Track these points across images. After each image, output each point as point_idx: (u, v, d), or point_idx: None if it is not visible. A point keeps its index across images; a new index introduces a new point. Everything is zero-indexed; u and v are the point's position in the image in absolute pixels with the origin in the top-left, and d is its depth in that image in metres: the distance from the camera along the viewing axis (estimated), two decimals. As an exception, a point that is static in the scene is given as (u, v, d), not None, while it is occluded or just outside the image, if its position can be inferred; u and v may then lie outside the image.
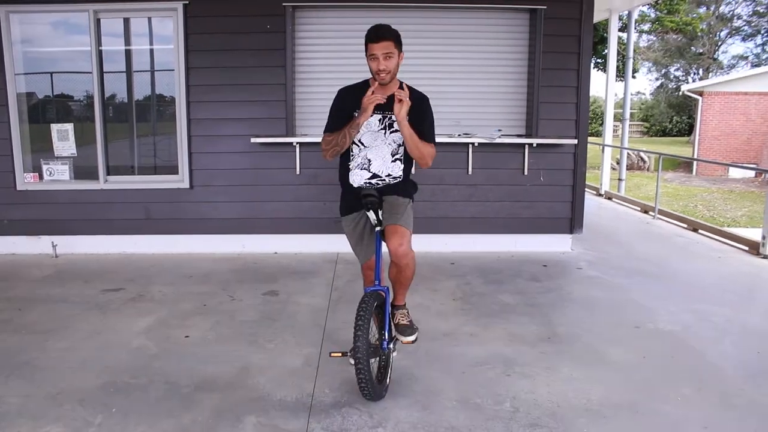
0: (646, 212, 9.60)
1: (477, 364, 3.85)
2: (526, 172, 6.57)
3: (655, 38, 37.64)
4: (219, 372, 3.72)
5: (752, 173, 21.59)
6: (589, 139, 7.28)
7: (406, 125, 3.32)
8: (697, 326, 4.56)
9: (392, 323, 3.56)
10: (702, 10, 37.67)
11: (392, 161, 3.51)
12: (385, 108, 3.39)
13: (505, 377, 3.67)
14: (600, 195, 11.47)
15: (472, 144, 6.43)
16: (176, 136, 6.49)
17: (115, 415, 3.21)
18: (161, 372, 3.72)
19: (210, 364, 3.82)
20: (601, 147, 11.99)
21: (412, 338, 3.55)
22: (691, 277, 5.92)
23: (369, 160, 3.49)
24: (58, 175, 6.54)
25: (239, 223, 6.61)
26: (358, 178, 3.52)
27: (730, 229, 8.49)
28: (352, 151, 3.51)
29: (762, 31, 38.03)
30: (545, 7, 6.31)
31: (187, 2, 6.22)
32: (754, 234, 7.33)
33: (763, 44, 39.00)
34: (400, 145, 3.49)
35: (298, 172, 6.48)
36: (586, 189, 7.54)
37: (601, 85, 14.31)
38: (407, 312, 3.65)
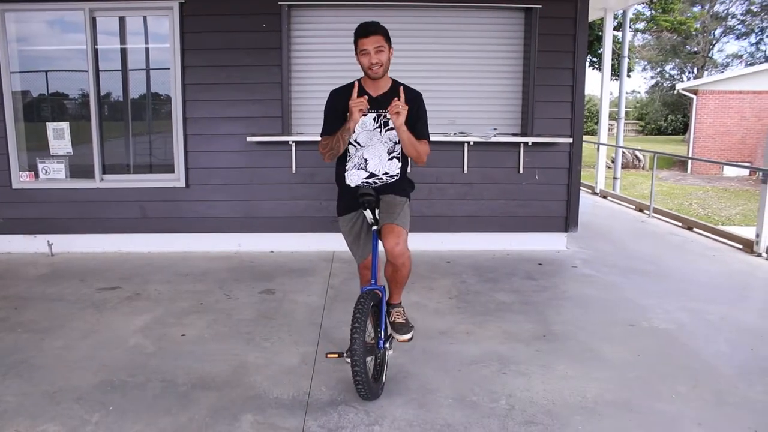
0: (641, 211, 9.64)
1: (473, 362, 3.87)
2: (521, 171, 6.59)
3: (650, 37, 37.75)
4: (216, 370, 3.73)
5: (746, 172, 21.67)
6: (585, 137, 7.30)
7: (405, 130, 3.33)
8: (691, 324, 4.59)
9: (388, 321, 3.58)
10: (696, 9, 37.77)
11: (389, 159, 3.53)
12: (379, 106, 3.40)
13: (500, 375, 3.69)
14: (595, 193, 11.50)
15: (468, 143, 6.45)
16: (172, 135, 6.49)
17: (112, 414, 3.22)
18: (158, 370, 3.73)
19: (207, 363, 3.83)
20: (596, 145, 12.02)
21: (408, 336, 3.56)
22: (686, 275, 5.95)
23: (366, 160, 3.50)
24: (53, 173, 6.53)
25: (235, 221, 6.61)
26: (355, 178, 3.53)
27: (725, 228, 8.52)
28: (348, 152, 3.52)
29: (756, 30, 38.19)
30: (540, 6, 6.32)
31: (183, 1, 6.22)
32: (748, 232, 7.36)
33: (757, 43, 39.18)
34: (396, 143, 3.50)
35: (294, 171, 6.49)
36: (581, 187, 7.57)
37: (597, 83, 14.38)
38: (403, 310, 3.67)
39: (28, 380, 3.59)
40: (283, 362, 3.85)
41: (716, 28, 38.63)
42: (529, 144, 6.49)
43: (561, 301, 5.14)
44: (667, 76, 41.81)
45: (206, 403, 3.33)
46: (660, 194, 16.04)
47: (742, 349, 4.16)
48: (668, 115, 37.90)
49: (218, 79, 6.38)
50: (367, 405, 3.29)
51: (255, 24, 6.30)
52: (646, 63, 40.79)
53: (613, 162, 13.29)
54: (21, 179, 6.50)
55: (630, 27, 14.89)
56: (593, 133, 23.65)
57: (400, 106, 3.22)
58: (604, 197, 11.16)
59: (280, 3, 6.23)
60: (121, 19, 6.49)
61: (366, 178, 3.52)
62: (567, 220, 6.73)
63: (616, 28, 13.15)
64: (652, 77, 43.09)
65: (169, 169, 6.58)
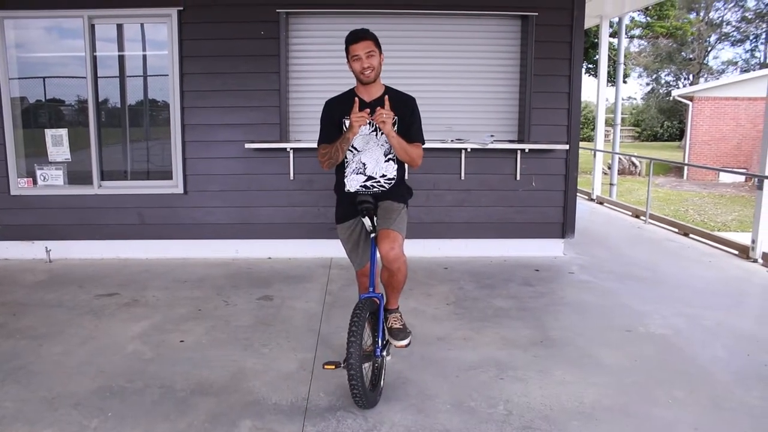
0: (637, 217, 9.67)
1: (470, 367, 3.88)
2: (518, 178, 6.62)
3: (645, 44, 37.93)
4: (214, 376, 3.74)
5: (742, 178, 21.75)
6: (581, 144, 7.33)
7: (394, 136, 3.38)
8: (688, 329, 4.61)
9: (386, 327, 3.59)
10: (692, 15, 37.98)
11: (385, 161, 3.56)
12: (373, 110, 3.43)
13: (498, 381, 3.70)
14: (592, 200, 11.54)
15: (465, 149, 6.48)
16: (170, 142, 6.50)
17: (111, 420, 3.22)
18: (156, 376, 3.73)
19: (205, 369, 3.84)
20: (592, 152, 12.07)
21: (405, 342, 3.57)
22: (682, 281, 5.97)
23: (364, 164, 3.53)
24: (52, 180, 6.54)
25: (233, 228, 6.62)
26: (354, 182, 3.56)
27: (721, 234, 8.55)
28: (346, 158, 3.56)
29: (751, 37, 38.41)
30: (537, 13, 6.36)
31: (182, 8, 6.25)
32: (744, 238, 7.39)
33: (752, 50, 39.40)
34: (390, 147, 3.53)
35: (292, 178, 6.51)
36: (577, 194, 7.60)
37: (593, 90, 14.40)
38: (400, 315, 3.68)
39: (26, 386, 3.59)
40: (282, 368, 3.86)
41: (711, 35, 38.85)
42: (526, 151, 6.52)
43: (558, 307, 5.15)
44: (662, 82, 42.02)
45: (205, 409, 3.34)
46: (656, 200, 16.10)
47: (739, 354, 4.18)
48: (664, 122, 38.03)
49: (216, 86, 6.41)
50: (366, 411, 3.30)
51: (253, 31, 6.33)
52: (641, 69, 41.00)
53: (609, 168, 13.34)
54: (19, 185, 6.51)
55: (626, 34, 14.95)
56: (590, 139, 23.73)
57: (384, 114, 3.26)
58: (601, 203, 11.19)
59: (278, 10, 6.26)
60: (120, 26, 6.51)
61: (364, 181, 3.55)
62: (564, 227, 6.75)
63: (611, 35, 13.24)
64: (647, 84, 43.31)
65: (168, 175, 6.59)
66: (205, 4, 6.27)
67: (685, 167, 23.54)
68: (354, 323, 3.14)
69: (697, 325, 4.70)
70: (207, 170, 6.53)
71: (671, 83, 41.20)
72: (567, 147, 6.55)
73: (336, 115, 3.52)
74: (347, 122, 3.43)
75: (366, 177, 3.55)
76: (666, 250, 7.39)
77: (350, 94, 3.54)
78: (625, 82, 31.14)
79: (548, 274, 6.15)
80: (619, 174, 15.15)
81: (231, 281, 5.79)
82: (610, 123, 13.29)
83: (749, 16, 37.76)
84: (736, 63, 39.75)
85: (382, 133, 3.49)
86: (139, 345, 4.23)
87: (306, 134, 6.48)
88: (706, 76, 38.94)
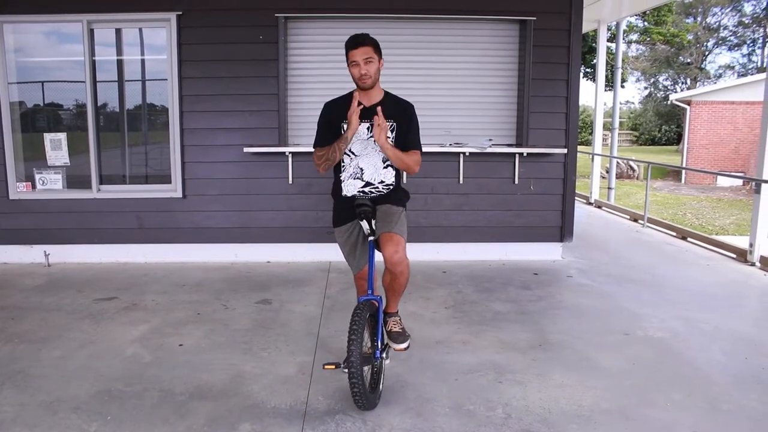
0: (635, 221, 9.69)
1: (469, 371, 3.89)
2: (516, 181, 6.63)
3: (643, 48, 38.03)
4: (213, 380, 3.74)
5: (740, 182, 21.78)
6: (579, 148, 7.35)
7: (389, 147, 3.41)
8: (686, 333, 4.62)
9: (385, 330, 3.60)
10: (689, 20, 38.11)
11: (384, 167, 3.57)
12: (372, 116, 3.45)
13: (497, 384, 3.71)
14: (590, 204, 11.56)
15: (463, 153, 6.49)
16: (169, 146, 6.51)
17: (110, 423, 3.22)
18: (155, 380, 3.73)
19: (204, 372, 3.84)
20: (590, 156, 12.09)
21: (404, 345, 3.59)
22: (680, 285, 5.99)
23: (361, 169, 3.54)
24: (50, 184, 6.55)
25: (232, 232, 6.63)
26: (351, 188, 3.57)
27: (719, 237, 8.57)
28: (343, 162, 3.57)
29: (748, 42, 38.54)
30: (535, 18, 6.39)
31: (181, 13, 6.27)
32: (742, 242, 7.41)
33: (749, 54, 39.53)
34: None
35: (290, 182, 6.52)
36: (576, 198, 7.61)
37: (591, 94, 14.46)
38: (400, 319, 3.69)
39: (25, 390, 3.60)
40: (281, 372, 3.86)
41: (709, 40, 38.98)
42: (524, 155, 6.54)
43: (556, 311, 5.16)
44: (660, 86, 42.13)
45: (204, 412, 3.34)
46: (654, 204, 16.11)
47: (737, 357, 4.19)
48: (662, 126, 38.12)
49: (215, 90, 6.42)
50: (365, 414, 3.30)
51: (252, 36, 6.35)
52: (639, 74, 41.11)
53: (607, 172, 13.36)
54: (18, 190, 6.51)
55: (623, 38, 15.00)
56: (588, 143, 23.79)
57: (380, 119, 3.30)
58: (599, 207, 11.21)
59: (276, 15, 6.27)
60: (119, 31, 6.53)
61: (362, 187, 3.56)
62: (562, 230, 6.76)
63: (609, 40, 13.26)
64: (645, 88, 43.44)
65: (166, 179, 6.60)
66: (204, 8, 6.29)
67: (683, 171, 23.59)
68: (354, 322, 3.16)
69: (695, 329, 4.71)
70: (206, 174, 6.54)
71: (669, 87, 41.33)
72: (565, 151, 6.57)
73: (334, 117, 3.53)
74: (345, 125, 3.45)
75: (364, 183, 3.56)
76: (664, 254, 7.41)
77: (349, 98, 3.55)
78: (622, 86, 31.19)
79: (547, 277, 6.16)
80: (617, 178, 15.19)
81: (230, 285, 5.79)
82: (608, 127, 13.34)
83: (746, 21, 37.93)
84: (734, 67, 39.93)
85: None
86: (138, 349, 4.23)
87: (305, 138, 6.49)
88: (703, 80, 39.05)
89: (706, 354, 4.23)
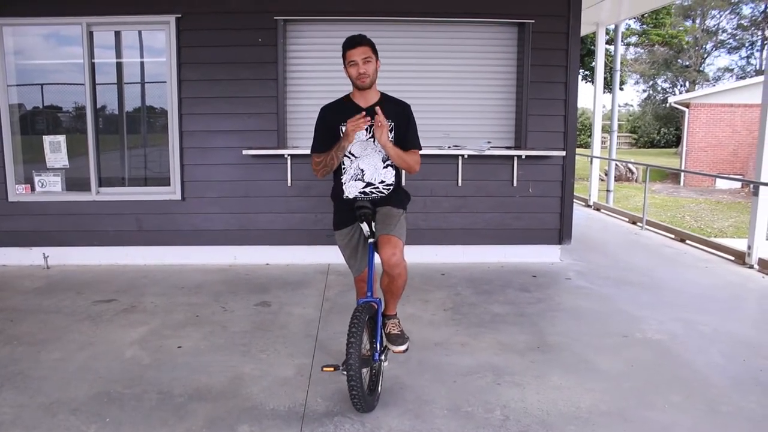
0: (634, 223, 9.70)
1: (468, 373, 3.90)
2: (515, 184, 6.64)
3: (642, 51, 38.09)
4: (212, 382, 3.74)
5: (739, 184, 21.82)
6: (578, 150, 7.37)
7: (390, 146, 3.44)
8: (684, 335, 4.62)
9: (384, 333, 3.60)
10: (688, 23, 38.17)
11: (384, 167, 3.59)
12: (370, 117, 3.46)
13: (495, 386, 3.72)
14: (588, 206, 11.57)
15: (462, 156, 6.50)
16: (168, 148, 6.52)
17: (109, 425, 3.23)
18: (154, 382, 3.74)
19: (203, 374, 3.85)
20: (589, 158, 12.10)
21: (403, 347, 3.59)
22: (679, 287, 5.99)
23: (362, 171, 3.55)
24: (50, 186, 6.55)
25: (231, 234, 6.64)
26: (353, 189, 3.58)
27: (717, 240, 8.59)
28: (343, 164, 3.58)
29: (746, 44, 38.60)
30: (533, 21, 6.40)
31: (180, 15, 6.28)
32: (741, 244, 7.42)
33: (748, 57, 39.59)
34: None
35: (289, 184, 6.53)
36: (574, 200, 7.62)
37: (589, 97, 14.50)
38: (398, 321, 3.69)
39: (24, 392, 3.60)
40: (279, 374, 3.87)
41: (707, 42, 39.03)
42: (523, 157, 6.55)
43: (555, 313, 5.17)
44: (659, 89, 42.19)
45: (203, 414, 3.35)
46: (653, 207, 16.14)
47: (735, 359, 4.20)
48: (661, 128, 38.17)
49: (214, 92, 6.43)
50: (363, 416, 3.31)
51: (251, 38, 6.36)
52: (638, 76, 41.16)
53: (606, 175, 13.38)
54: (17, 192, 6.52)
55: (622, 41, 15.03)
56: (586, 146, 23.81)
57: (381, 119, 3.32)
58: (598, 210, 11.22)
59: (275, 18, 6.29)
60: (118, 34, 6.54)
61: (363, 188, 3.57)
62: (561, 233, 6.77)
63: (608, 42, 13.28)
64: (644, 90, 43.50)
65: (165, 182, 6.61)
66: (203, 11, 6.30)
67: (682, 174, 23.62)
68: (353, 325, 3.16)
69: (694, 331, 4.71)
70: (205, 177, 6.55)
71: (668, 90, 41.39)
72: (564, 153, 6.58)
73: (331, 121, 3.54)
74: (344, 128, 3.46)
75: (365, 183, 3.57)
76: (663, 256, 7.42)
77: (345, 101, 3.58)
78: (621, 89, 31.27)
79: (545, 280, 6.16)
80: (615, 180, 15.18)
81: (229, 287, 5.80)
82: (606, 130, 13.36)
83: (745, 24, 38.00)
84: (732, 70, 40.00)
85: (379, 139, 3.51)
86: (137, 351, 4.24)
87: (304, 141, 6.50)
88: (702, 83, 39.11)
89: (704, 356, 4.24)
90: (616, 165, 18.34)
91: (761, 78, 24.59)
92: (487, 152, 6.44)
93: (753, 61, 39.55)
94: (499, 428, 3.22)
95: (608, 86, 16.73)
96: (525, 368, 3.98)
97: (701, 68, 39.74)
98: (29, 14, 6.27)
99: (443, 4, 6.42)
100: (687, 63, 39.26)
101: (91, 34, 6.36)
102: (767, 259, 6.71)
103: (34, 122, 6.68)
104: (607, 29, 11.98)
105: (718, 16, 38.74)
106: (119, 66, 6.61)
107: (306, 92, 6.53)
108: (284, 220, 6.62)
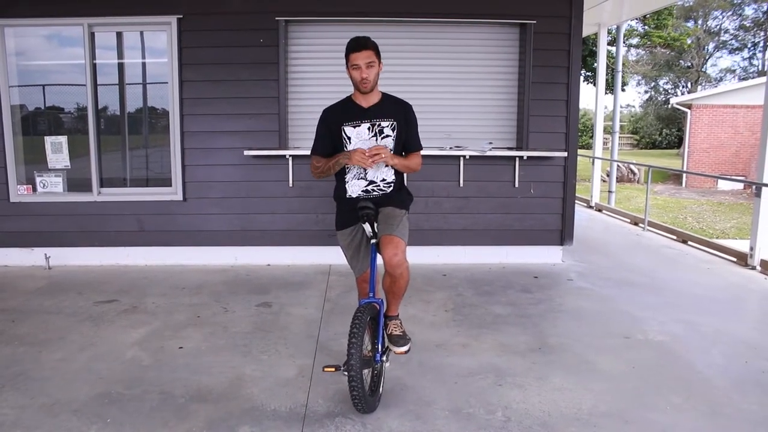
0: (636, 224, 9.69)
1: (469, 374, 3.89)
2: (516, 185, 6.64)
3: (643, 52, 38.06)
4: (213, 383, 3.74)
5: (741, 185, 21.79)
6: (579, 151, 7.36)
7: (396, 162, 3.52)
8: (686, 336, 4.62)
9: (385, 334, 3.60)
10: (690, 24, 38.14)
11: (386, 166, 3.59)
12: (372, 117, 3.50)
13: (496, 387, 3.71)
14: (590, 207, 11.56)
15: (464, 157, 6.50)
16: (169, 149, 6.52)
17: (110, 426, 3.23)
18: (155, 383, 3.74)
19: (204, 375, 3.84)
20: (591, 159, 12.10)
21: (404, 349, 3.59)
22: (681, 288, 5.98)
23: (364, 169, 3.55)
24: (51, 187, 6.56)
25: (232, 235, 6.64)
26: (355, 188, 3.58)
27: (719, 241, 8.58)
28: (346, 164, 3.57)
29: (748, 45, 38.56)
30: (535, 22, 6.40)
31: (181, 16, 6.28)
32: (743, 245, 7.41)
33: (750, 57, 39.56)
34: (391, 150, 3.57)
35: (290, 185, 6.52)
36: (576, 201, 7.62)
37: (591, 98, 14.47)
38: (400, 323, 3.69)
39: (25, 393, 3.60)
40: (280, 375, 3.87)
41: (709, 43, 39.00)
42: (525, 158, 6.55)
43: (556, 314, 5.16)
44: (661, 90, 42.14)
45: (203, 415, 3.34)
46: (655, 208, 16.12)
47: (736, 361, 4.19)
48: (663, 129, 38.13)
49: (216, 93, 6.43)
50: (364, 417, 3.30)
51: (252, 39, 6.36)
52: (640, 77, 41.12)
53: (608, 176, 13.37)
54: (19, 192, 6.52)
55: (624, 42, 15.02)
56: (588, 147, 23.80)
57: (381, 155, 3.38)
58: (599, 211, 11.21)
59: (277, 18, 6.29)
60: (119, 34, 6.55)
61: (366, 186, 3.57)
62: (562, 234, 6.76)
63: (610, 43, 13.29)
64: (646, 91, 43.46)
65: (167, 182, 6.61)
66: (204, 12, 6.31)
67: (684, 175, 23.59)
68: (355, 325, 3.16)
69: (695, 332, 4.71)
70: (206, 177, 6.55)
71: (669, 91, 41.37)
72: (565, 154, 6.57)
73: (332, 123, 3.54)
74: (347, 129, 3.47)
75: (367, 182, 3.58)
76: (664, 257, 7.41)
77: (347, 102, 3.59)
78: (623, 89, 31.28)
79: (547, 281, 6.16)
80: (617, 181, 15.20)
81: (230, 288, 5.80)
82: (608, 130, 13.34)
83: (747, 24, 37.96)
84: (735, 71, 39.96)
85: (382, 138, 3.52)
86: (138, 351, 4.24)
87: (305, 141, 6.50)
88: (704, 84, 39.08)
89: (706, 357, 4.23)
90: (618, 166, 18.34)
91: (763, 79, 24.62)
92: (489, 153, 6.44)
93: (755, 62, 39.60)
94: (501, 429, 3.21)
95: (610, 87, 16.73)
96: (526, 369, 3.97)
97: (703, 69, 39.71)
98: (31, 15, 6.28)
99: (445, 5, 6.42)
100: (689, 64, 39.23)
101: (92, 35, 6.37)
102: (769, 261, 6.70)
103: (36, 123, 6.69)
104: (609, 30, 11.98)
105: (720, 16, 38.73)
106: (121, 67, 6.62)
107: (307, 93, 6.54)
108: (285, 221, 6.62)
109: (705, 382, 3.83)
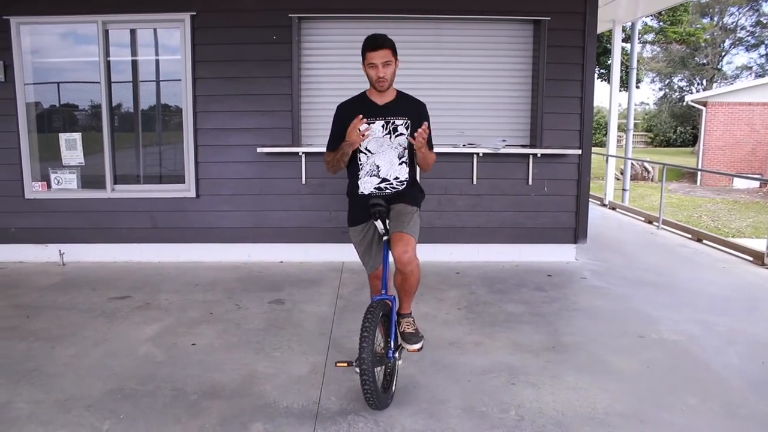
0: (650, 222, 9.61)
1: (482, 372, 3.87)
2: (530, 182, 6.60)
3: (658, 49, 37.75)
4: (226, 379, 3.75)
5: (757, 183, 21.59)
6: (593, 149, 7.31)
7: (425, 151, 3.47)
8: (701, 336, 4.57)
9: (398, 331, 3.59)
10: (706, 20, 37.79)
11: (399, 164, 3.59)
12: (386, 114, 3.50)
13: (510, 386, 3.69)
14: (604, 205, 11.48)
15: (477, 154, 6.47)
16: (183, 146, 6.54)
17: (123, 422, 3.24)
18: (168, 379, 3.75)
19: (217, 372, 3.85)
20: (605, 157, 12.02)
21: (417, 346, 3.57)
22: (696, 287, 5.93)
23: (378, 166, 3.55)
24: (65, 183, 6.60)
25: (245, 232, 6.65)
26: (368, 185, 3.58)
27: (735, 240, 8.49)
28: (360, 161, 3.57)
29: (765, 42, 38.12)
30: (549, 18, 6.35)
31: (195, 13, 6.30)
32: (759, 244, 7.33)
33: (767, 55, 39.08)
34: (405, 149, 3.58)
35: (303, 182, 6.52)
36: (590, 199, 7.56)
37: (605, 95, 14.36)
38: (413, 320, 3.68)
39: (39, 388, 3.62)
40: (293, 372, 3.86)
41: (725, 40, 38.62)
42: (538, 155, 6.51)
43: (570, 313, 5.13)
44: (675, 87, 41.77)
45: (216, 412, 3.35)
46: (669, 206, 16.00)
47: (753, 361, 4.15)
48: (677, 127, 37.78)
49: (229, 90, 6.44)
50: (377, 415, 3.29)
51: (265, 36, 6.36)
52: (654, 75, 40.78)
53: (622, 174, 13.28)
54: (33, 189, 6.57)
55: (638, 39, 14.91)
56: (602, 144, 23.69)
57: (422, 133, 3.33)
58: (613, 209, 11.14)
59: (290, 15, 6.29)
60: (133, 32, 6.57)
61: (378, 183, 3.56)
62: (576, 232, 6.72)
63: (624, 40, 13.20)
64: (660, 89, 43.05)
65: (180, 179, 6.63)
66: (217, 9, 6.32)
67: (699, 173, 23.39)
68: (367, 320, 3.16)
69: (711, 332, 4.66)
70: (219, 174, 6.57)
71: (684, 88, 40.97)
72: (579, 152, 6.53)
73: (346, 119, 3.52)
74: (360, 127, 3.46)
75: (380, 179, 3.57)
76: (679, 256, 7.35)
77: (362, 98, 3.58)
78: (637, 87, 31.03)
79: (560, 279, 6.12)
80: (631, 179, 15.10)
81: (243, 285, 5.81)
82: (622, 128, 13.25)
83: (764, 21, 37.54)
84: (751, 68, 39.47)
85: (395, 136, 3.51)
86: (151, 348, 4.25)
87: (318, 138, 6.50)
88: (719, 81, 38.71)
89: (721, 357, 4.19)
90: (632, 164, 18.22)
91: (780, 76, 24.33)
92: (502, 150, 6.41)
93: (772, 59, 39.12)
94: (514, 428, 3.19)
95: (624, 84, 16.61)
96: (540, 368, 3.95)
97: (719, 66, 39.33)
98: (46, 13, 6.31)
99: (459, 2, 6.39)
100: (704, 61, 38.87)
101: (106, 32, 6.40)
102: (786, 260, 6.63)
103: (51, 120, 6.73)
104: (623, 27, 11.88)
105: (736, 13, 38.32)
106: (134, 64, 6.64)
107: (320, 90, 6.53)
108: (298, 218, 6.62)
109: (721, 383, 3.79)
